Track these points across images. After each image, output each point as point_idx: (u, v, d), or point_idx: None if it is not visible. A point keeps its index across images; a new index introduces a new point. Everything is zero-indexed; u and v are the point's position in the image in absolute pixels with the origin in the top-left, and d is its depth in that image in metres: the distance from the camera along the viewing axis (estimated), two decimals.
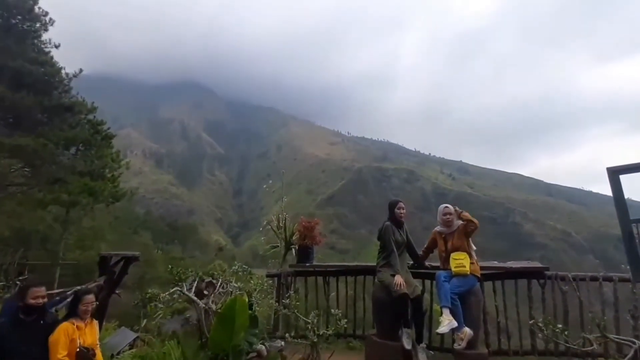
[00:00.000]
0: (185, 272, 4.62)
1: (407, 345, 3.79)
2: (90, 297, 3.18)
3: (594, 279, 4.32)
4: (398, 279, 3.86)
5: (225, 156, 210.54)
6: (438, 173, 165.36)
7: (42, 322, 2.99)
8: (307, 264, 5.49)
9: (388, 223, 4.26)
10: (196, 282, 4.63)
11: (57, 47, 15.18)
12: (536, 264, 4.70)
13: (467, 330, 3.65)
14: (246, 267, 5.50)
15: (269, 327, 5.18)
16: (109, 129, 17.03)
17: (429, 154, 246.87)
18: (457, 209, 4.11)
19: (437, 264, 4.30)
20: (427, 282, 4.71)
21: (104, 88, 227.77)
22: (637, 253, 3.02)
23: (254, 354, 3.97)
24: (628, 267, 3.40)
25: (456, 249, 3.98)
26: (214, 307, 4.28)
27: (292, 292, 5.10)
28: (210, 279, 4.78)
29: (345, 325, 4.51)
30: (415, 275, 4.43)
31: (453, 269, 3.90)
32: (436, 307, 4.66)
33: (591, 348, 3.67)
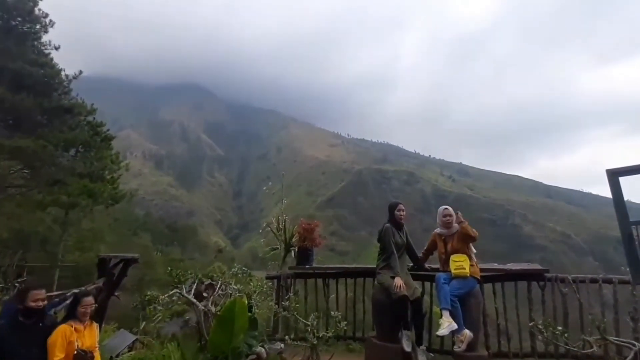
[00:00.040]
0: (184, 274, 4.61)
1: (407, 347, 3.78)
2: (89, 299, 3.18)
3: (593, 281, 4.33)
4: (398, 281, 3.85)
5: (225, 158, 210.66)
6: (438, 175, 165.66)
7: (41, 324, 2.98)
8: (307, 266, 5.47)
9: (388, 225, 4.26)
10: (195, 284, 4.62)
11: (57, 48, 15.22)
12: (536, 266, 4.71)
13: (467, 332, 3.65)
14: (246, 269, 5.51)
15: (268, 329, 5.16)
16: (108, 130, 17.05)
17: (429, 155, 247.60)
18: (460, 215, 4.10)
19: (437, 266, 4.30)
20: (427, 284, 4.71)
21: (104, 90, 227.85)
22: (636, 255, 3.01)
23: (254, 357, 3.97)
24: (628, 269, 3.39)
25: (456, 251, 3.98)
26: (213, 309, 4.27)
27: (291, 294, 5.09)
28: (209, 281, 4.78)
29: (345, 328, 4.50)
30: (415, 277, 4.42)
31: (453, 271, 3.90)
32: (436, 309, 4.65)
33: (591, 350, 3.68)
